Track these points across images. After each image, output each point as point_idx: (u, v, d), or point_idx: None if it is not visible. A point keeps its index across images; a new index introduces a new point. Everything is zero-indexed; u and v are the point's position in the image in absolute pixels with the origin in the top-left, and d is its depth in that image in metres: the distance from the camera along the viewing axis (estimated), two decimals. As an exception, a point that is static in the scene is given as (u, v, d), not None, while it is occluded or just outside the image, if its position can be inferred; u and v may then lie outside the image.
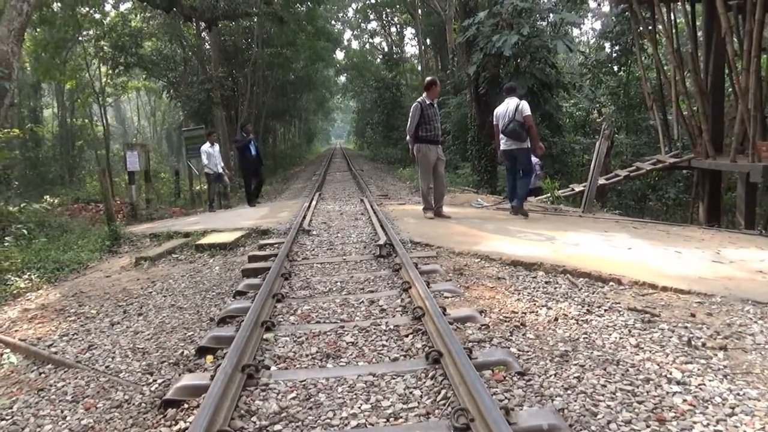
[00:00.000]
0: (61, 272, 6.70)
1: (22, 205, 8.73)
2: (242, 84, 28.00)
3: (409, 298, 3.93)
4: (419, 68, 41.90)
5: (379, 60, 47.83)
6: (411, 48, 60.22)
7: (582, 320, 3.56)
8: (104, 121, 32.04)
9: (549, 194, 9.55)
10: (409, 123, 7.29)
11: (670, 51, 10.20)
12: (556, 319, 3.57)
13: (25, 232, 7.53)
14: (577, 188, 9.73)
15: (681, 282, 4.26)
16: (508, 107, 7.61)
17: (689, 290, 4.10)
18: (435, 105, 7.35)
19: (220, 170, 12.81)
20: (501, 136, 7.68)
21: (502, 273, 4.74)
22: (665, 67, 11.41)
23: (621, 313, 3.71)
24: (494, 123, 7.91)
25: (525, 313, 3.70)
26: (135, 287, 5.60)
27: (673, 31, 10.90)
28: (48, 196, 23.19)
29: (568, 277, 4.55)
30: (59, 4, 24.62)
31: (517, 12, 12.29)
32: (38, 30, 26.24)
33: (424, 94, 7.32)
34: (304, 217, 7.85)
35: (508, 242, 5.66)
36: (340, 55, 50.75)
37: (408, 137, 7.41)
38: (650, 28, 10.95)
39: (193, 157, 18.78)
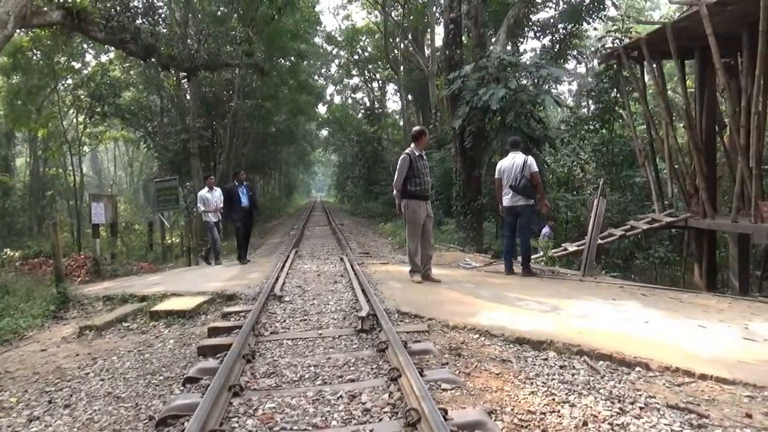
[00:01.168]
0: (-11, 344, 5.77)
1: (-43, 263, 7.77)
2: (221, 135, 27.53)
3: (399, 393, 3.16)
4: (401, 123, 42.15)
5: (360, 114, 48.11)
6: (392, 104, 61.15)
7: (617, 424, 2.83)
8: (75, 171, 31.18)
9: (542, 255, 8.94)
10: (396, 176, 6.69)
11: (663, 107, 9.91)
12: (585, 424, 2.83)
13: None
14: (571, 248, 9.16)
15: (720, 368, 3.58)
16: (515, 162, 7.15)
17: (733, 380, 3.42)
18: (424, 157, 6.77)
19: (220, 217, 11.42)
20: (506, 191, 7.19)
21: (506, 353, 4.00)
22: (656, 123, 11.11)
23: (661, 412, 3.00)
24: (497, 177, 7.43)
25: (544, 414, 2.95)
26: (71, 365, 4.74)
27: (666, 87, 10.67)
28: (8, 249, 22.03)
29: (586, 359, 3.84)
30: (37, 52, 24.20)
31: (503, 66, 12.03)
32: (12, 76, 25.69)
33: (412, 145, 6.76)
34: (277, 279, 7.08)
35: (507, 313, 4.94)
36: (322, 109, 51.12)
37: (395, 192, 6.78)
38: (640, 83, 10.71)
39: (164, 210, 17.94)
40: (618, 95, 16.76)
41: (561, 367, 3.72)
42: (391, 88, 48.20)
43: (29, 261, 16.29)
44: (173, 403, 3.17)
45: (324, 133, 58.17)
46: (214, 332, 4.89)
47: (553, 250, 9.21)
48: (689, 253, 11.61)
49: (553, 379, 3.48)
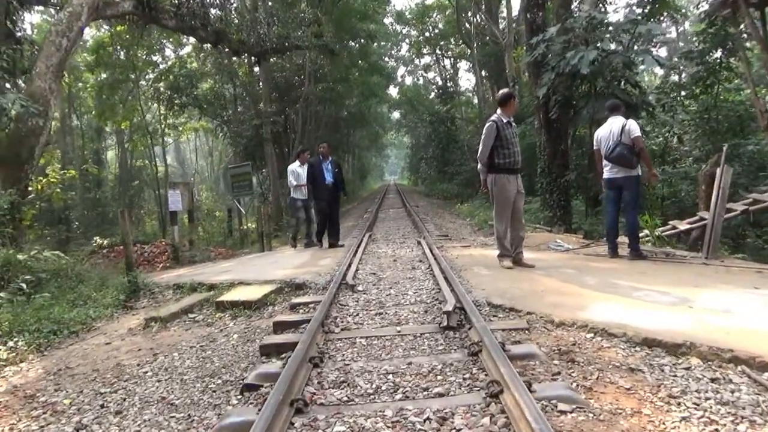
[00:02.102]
0: (57, 336, 5.55)
1: (32, 253, 7.73)
2: (294, 120, 27.46)
3: (503, 416, 2.43)
4: (475, 101, 40.83)
5: (433, 94, 47.06)
6: (465, 82, 59.45)
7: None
8: (160, 162, 32.22)
9: (646, 233, 7.83)
10: (481, 147, 5.87)
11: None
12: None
13: (24, 285, 6.47)
14: (681, 226, 7.97)
15: None
16: (612, 129, 6.17)
17: None
18: (513, 124, 5.90)
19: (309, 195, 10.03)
20: (605, 162, 6.22)
21: (633, 359, 3.16)
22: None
23: None
24: (595, 148, 6.49)
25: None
26: (131, 362, 4.37)
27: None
28: (98, 237, 23.02)
29: (745, 369, 2.93)
30: (118, 47, 25.01)
31: (593, 26, 10.78)
32: (97, 73, 26.76)
33: (499, 111, 5.90)
34: (350, 266, 6.49)
35: (624, 306, 4.06)
36: (393, 91, 50.49)
37: (480, 165, 5.97)
38: (761, 33, 9.20)
39: (239, 196, 17.98)
40: (721, 57, 14.92)
41: (712, 380, 2.85)
42: (463, 65, 46.77)
43: (115, 248, 16.74)
44: (225, 421, 2.61)
45: (396, 115, 57.53)
46: (279, 327, 4.36)
47: (660, 229, 8.07)
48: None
49: (707, 399, 2.63)
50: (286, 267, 7.07)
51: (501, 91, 6.17)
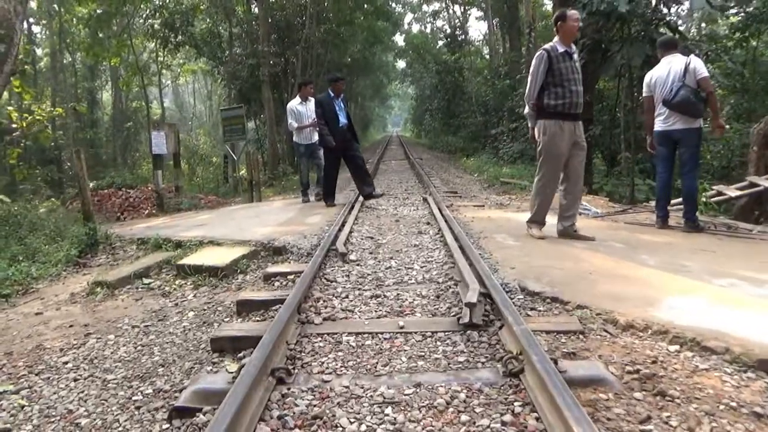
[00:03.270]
0: (-16, 299, 4.56)
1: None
2: (293, 64, 25.91)
3: None
4: (485, 50, 39.11)
5: (441, 43, 45.12)
6: (474, 32, 57.07)
7: None
8: (154, 104, 30.72)
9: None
10: (528, 85, 4.66)
11: None
12: None
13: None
14: (731, 192, 6.85)
15: None
16: (671, 68, 4.96)
17: None
18: (574, 55, 4.63)
19: (316, 139, 8.23)
20: (660, 110, 5.05)
21: (751, 396, 2.10)
22: None
23: None
24: (646, 94, 5.31)
25: None
26: (55, 345, 3.40)
27: None
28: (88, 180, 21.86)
29: None
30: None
31: (633, -43, 9.34)
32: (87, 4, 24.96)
33: (555, 39, 4.65)
34: (342, 226, 5.39)
35: (709, 300, 2.97)
36: (399, 39, 48.64)
37: (527, 108, 4.77)
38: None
39: (231, 140, 16.76)
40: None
41: None
42: (474, 13, 44.51)
43: (99, 192, 15.68)
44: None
45: (401, 64, 55.58)
46: (245, 307, 3.32)
47: (707, 194, 6.96)
48: None
49: None
50: (268, 223, 5.97)
51: (558, 13, 4.82)
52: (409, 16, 48.97)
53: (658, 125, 5.15)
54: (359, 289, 3.46)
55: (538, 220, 4.84)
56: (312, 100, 8.24)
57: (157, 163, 13.80)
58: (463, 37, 44.43)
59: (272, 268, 4.14)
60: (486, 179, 12.72)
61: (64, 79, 34.76)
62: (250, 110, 25.81)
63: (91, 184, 19.88)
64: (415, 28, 51.38)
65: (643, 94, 5.42)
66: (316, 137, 8.08)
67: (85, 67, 35.34)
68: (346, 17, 28.73)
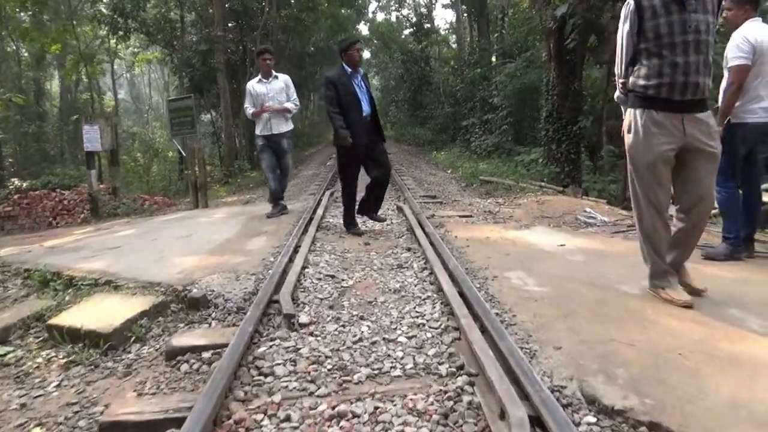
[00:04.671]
0: None
1: None
2: (252, 51, 24.19)
3: None
4: (452, 39, 38.08)
5: (407, 32, 43.89)
6: (440, 20, 56.02)
7: None
8: (95, 92, 28.53)
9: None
10: (620, 50, 2.95)
11: None
12: None
13: None
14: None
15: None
16: None
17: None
18: (690, 1, 2.72)
19: (283, 129, 6.19)
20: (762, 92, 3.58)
21: None
22: None
23: None
24: (743, 62, 3.53)
25: None
26: None
27: None
28: (16, 179, 19.86)
29: None
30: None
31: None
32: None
33: None
34: (293, 255, 3.97)
35: None
36: (364, 29, 47.34)
37: (617, 92, 3.07)
38: None
39: (179, 134, 15.06)
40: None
41: None
42: (440, 1, 43.37)
43: (29, 194, 13.80)
44: None
45: (366, 54, 54.17)
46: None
47: None
48: None
49: None
50: (197, 249, 4.48)
51: None
52: (373, 5, 47.62)
53: (761, 115, 3.64)
54: (310, 394, 2.06)
55: (657, 273, 2.94)
56: (279, 77, 6.28)
57: (90, 162, 12.07)
58: (430, 25, 43.33)
59: (182, 338, 2.70)
60: (462, 177, 11.43)
61: (8, 68, 32.27)
62: (207, 101, 24.03)
63: (24, 184, 17.87)
64: (380, 16, 50.10)
65: (740, 62, 3.57)
66: (283, 126, 6.18)
67: (31, 56, 32.93)
68: (309, 3, 27.25)
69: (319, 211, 5.84)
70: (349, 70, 5.05)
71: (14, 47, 31.82)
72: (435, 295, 3.08)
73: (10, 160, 31.43)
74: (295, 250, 4.15)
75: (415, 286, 3.29)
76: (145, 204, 13.42)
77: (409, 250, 4.19)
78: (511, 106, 15.24)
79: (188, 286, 3.36)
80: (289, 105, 6.18)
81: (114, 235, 6.15)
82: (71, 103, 34.43)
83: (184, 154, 16.68)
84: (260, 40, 23.03)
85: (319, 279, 3.46)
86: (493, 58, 21.05)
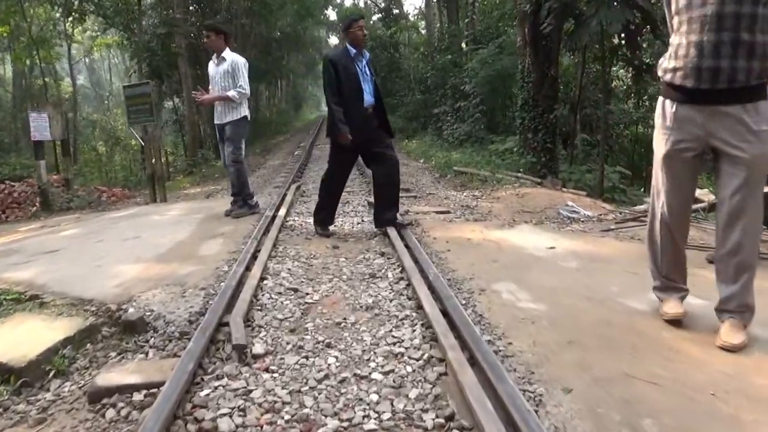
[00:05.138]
0: None
1: None
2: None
3: None
4: (422, 25, 37.67)
5: (375, 18, 43.20)
6: (409, 6, 55.48)
7: None
8: (47, 77, 27.18)
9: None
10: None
11: None
12: None
13: None
14: None
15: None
16: None
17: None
18: None
19: (227, 119, 5.39)
20: None
21: None
22: None
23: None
24: None
25: None
26: None
27: None
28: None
29: None
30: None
31: None
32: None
33: None
34: (251, 263, 3.49)
35: None
36: (332, 14, 46.65)
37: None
38: None
39: (136, 122, 14.28)
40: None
41: None
42: (409, -15, 42.76)
43: (-32, 187, 12.88)
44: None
45: (334, 40, 53.36)
46: None
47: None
48: None
49: None
50: (143, 253, 3.95)
51: None
52: (341, -12, 46.85)
53: None
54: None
55: (655, 282, 2.59)
56: (227, 58, 5.35)
57: (38, 152, 11.28)
58: (398, 11, 42.79)
59: (109, 375, 2.21)
60: (435, 167, 11.02)
61: (-43, 52, 30.61)
62: (169, 88, 23.08)
63: (-33, 176, 16.77)
64: (348, 1, 49.36)
65: None
66: (228, 115, 5.36)
67: (-20, 38, 31.29)
68: (274, -13, 26.48)
69: (283, 210, 5.32)
70: (353, 50, 4.43)
71: (-37, 29, 30.19)
72: (414, 314, 2.65)
73: (-45, 149, 29.90)
74: (254, 256, 3.67)
75: (391, 301, 2.85)
76: (102, 197, 12.71)
77: (382, 255, 3.74)
78: (483, 93, 14.86)
79: (124, 305, 2.86)
80: (230, 93, 5.25)
81: (57, 235, 5.55)
82: (26, 89, 32.89)
83: (143, 143, 15.90)
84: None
85: (280, 293, 2.99)
86: (463, 45, 20.69)
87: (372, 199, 5.95)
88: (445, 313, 2.51)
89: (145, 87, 14.13)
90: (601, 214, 5.60)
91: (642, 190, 10.69)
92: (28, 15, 24.25)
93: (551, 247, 3.72)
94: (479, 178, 8.46)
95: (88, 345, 2.63)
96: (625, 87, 15.00)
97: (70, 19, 23.63)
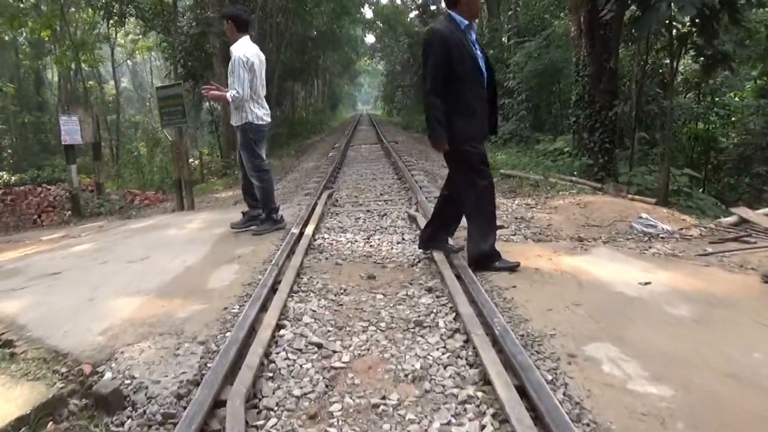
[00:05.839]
0: None
1: None
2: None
3: None
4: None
5: (412, 14, 42.64)
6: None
7: None
8: (84, 80, 27.48)
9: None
10: None
11: None
12: None
13: None
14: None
15: None
16: None
17: None
18: None
19: (234, 123, 4.81)
20: None
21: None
22: None
23: None
24: None
25: None
26: None
27: None
28: (3, 173, 18.94)
29: None
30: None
31: None
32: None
33: None
34: (268, 299, 2.83)
35: None
36: (368, 13, 46.34)
37: None
38: None
39: (169, 124, 13.95)
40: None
41: None
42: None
43: (14, 190, 12.90)
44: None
45: (370, 39, 53.11)
46: None
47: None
48: None
49: None
50: (143, 286, 3.32)
51: None
52: (378, -14, 46.45)
53: None
54: None
55: None
56: (235, 48, 4.56)
57: (69, 156, 10.98)
58: (436, 7, 42.09)
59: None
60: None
61: (7, 57, 31.52)
62: (199, 86, 23.03)
63: (12, 178, 16.89)
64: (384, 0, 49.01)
65: None
66: (234, 119, 4.73)
67: (29, 44, 32.22)
68: (310, -15, 26.18)
69: (311, 226, 4.62)
70: (465, 22, 3.29)
71: (11, 35, 30.95)
72: (479, 394, 1.92)
73: (9, 151, 30.59)
74: (273, 289, 3.01)
75: (445, 368, 2.12)
76: (135, 200, 12.45)
77: (429, 291, 3.01)
78: (529, 89, 13.96)
79: (102, 365, 2.23)
80: (227, 94, 4.54)
81: (67, 251, 5.05)
82: (71, 93, 33.54)
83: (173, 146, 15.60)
84: (258, 24, 21.85)
85: (299, 350, 2.31)
86: (504, 39, 19.79)
87: (413, 211, 5.27)
88: (523, 393, 1.78)
89: (177, 88, 13.72)
90: (682, 228, 4.74)
91: (711, 193, 9.64)
92: (70, 19, 24.54)
93: (647, 283, 2.92)
94: (530, 183, 7.65)
95: (50, 424, 2.01)
96: (681, 79, 13.84)
97: (111, 22, 23.80)
